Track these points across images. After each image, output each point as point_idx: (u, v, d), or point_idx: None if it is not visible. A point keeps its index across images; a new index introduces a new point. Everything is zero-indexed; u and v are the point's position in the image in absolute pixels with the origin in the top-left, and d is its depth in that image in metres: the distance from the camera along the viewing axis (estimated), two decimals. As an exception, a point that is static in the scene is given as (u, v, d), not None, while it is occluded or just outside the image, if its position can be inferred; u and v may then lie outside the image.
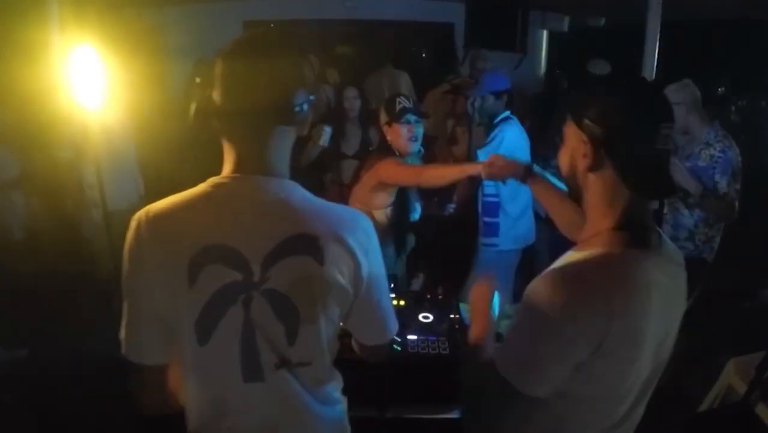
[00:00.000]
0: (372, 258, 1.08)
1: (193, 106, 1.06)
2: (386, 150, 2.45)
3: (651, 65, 2.45)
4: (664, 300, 1.01)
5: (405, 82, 4.63)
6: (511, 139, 2.99)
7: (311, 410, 1.09)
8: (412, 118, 2.38)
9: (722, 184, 2.52)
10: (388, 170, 2.35)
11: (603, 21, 4.70)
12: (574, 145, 1.07)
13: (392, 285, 2.03)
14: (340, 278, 1.02)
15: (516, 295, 2.69)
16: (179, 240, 0.98)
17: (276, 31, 1.05)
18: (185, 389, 1.08)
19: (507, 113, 3.10)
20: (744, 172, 2.60)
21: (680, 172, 2.56)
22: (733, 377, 2.34)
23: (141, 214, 1.00)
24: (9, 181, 3.14)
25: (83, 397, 2.46)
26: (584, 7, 4.51)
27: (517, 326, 1.06)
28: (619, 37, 3.51)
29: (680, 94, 2.63)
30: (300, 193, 1.05)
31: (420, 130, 2.43)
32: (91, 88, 2.09)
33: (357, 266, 1.04)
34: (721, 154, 2.55)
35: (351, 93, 3.61)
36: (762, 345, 2.27)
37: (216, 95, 1.02)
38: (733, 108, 4.16)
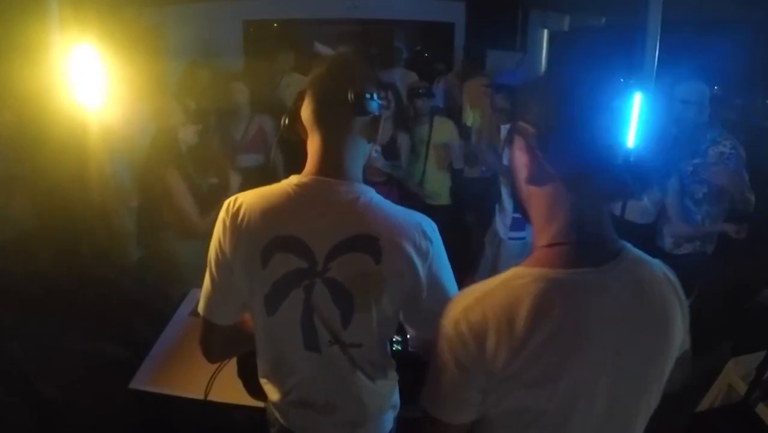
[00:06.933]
0: (433, 262, 1.12)
1: (284, 118, 1.20)
2: None
3: (651, 64, 2.46)
4: (614, 324, 0.86)
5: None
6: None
7: (361, 384, 1.22)
8: None
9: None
10: None
11: (603, 20, 4.70)
12: (514, 153, 0.95)
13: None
14: (396, 277, 1.10)
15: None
16: (256, 228, 1.11)
17: (350, 54, 1.24)
18: (258, 345, 1.25)
19: None
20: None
21: (712, 173, 2.57)
22: (733, 377, 2.34)
23: (230, 201, 1.15)
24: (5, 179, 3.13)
25: (83, 397, 2.46)
26: (584, 6, 4.51)
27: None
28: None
29: (694, 95, 2.62)
30: (369, 197, 1.14)
31: None
32: (91, 87, 2.09)
33: (414, 268, 1.10)
34: (733, 151, 2.56)
35: None
36: (762, 345, 2.27)
37: (303, 106, 1.16)
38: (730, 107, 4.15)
